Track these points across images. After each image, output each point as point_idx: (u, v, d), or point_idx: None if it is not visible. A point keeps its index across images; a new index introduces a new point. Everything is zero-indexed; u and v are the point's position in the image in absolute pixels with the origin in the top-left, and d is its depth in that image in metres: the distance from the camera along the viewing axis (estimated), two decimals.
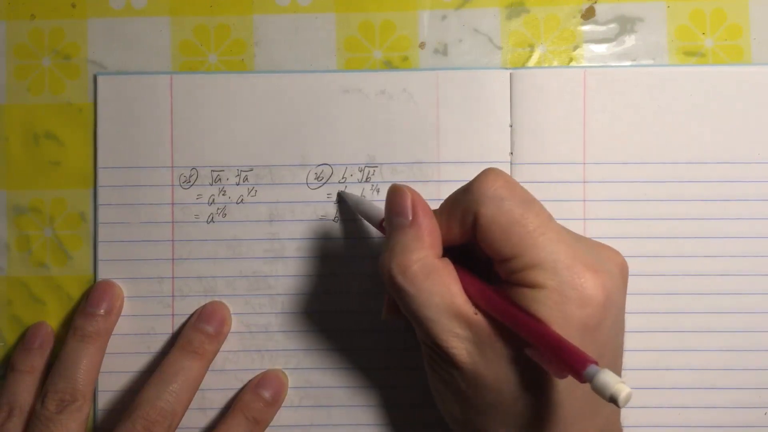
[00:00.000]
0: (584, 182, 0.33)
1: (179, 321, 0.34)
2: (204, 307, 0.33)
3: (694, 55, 0.34)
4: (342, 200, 0.33)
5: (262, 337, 0.34)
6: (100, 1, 0.35)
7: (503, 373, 0.24)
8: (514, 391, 0.24)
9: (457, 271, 0.26)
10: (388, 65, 0.34)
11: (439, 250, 0.26)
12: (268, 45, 0.34)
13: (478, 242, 0.25)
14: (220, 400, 0.34)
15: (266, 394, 0.32)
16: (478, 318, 0.24)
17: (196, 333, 0.32)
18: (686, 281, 0.33)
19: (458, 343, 0.25)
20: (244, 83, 0.34)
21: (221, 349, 0.33)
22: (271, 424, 0.33)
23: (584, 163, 0.33)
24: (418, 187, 0.33)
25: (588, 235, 0.32)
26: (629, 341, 0.33)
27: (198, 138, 0.34)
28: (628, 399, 0.20)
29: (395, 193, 0.27)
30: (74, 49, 0.35)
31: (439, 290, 0.25)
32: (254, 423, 0.32)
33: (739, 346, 0.33)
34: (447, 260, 0.26)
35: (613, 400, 0.20)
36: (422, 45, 0.34)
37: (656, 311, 0.33)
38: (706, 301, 0.33)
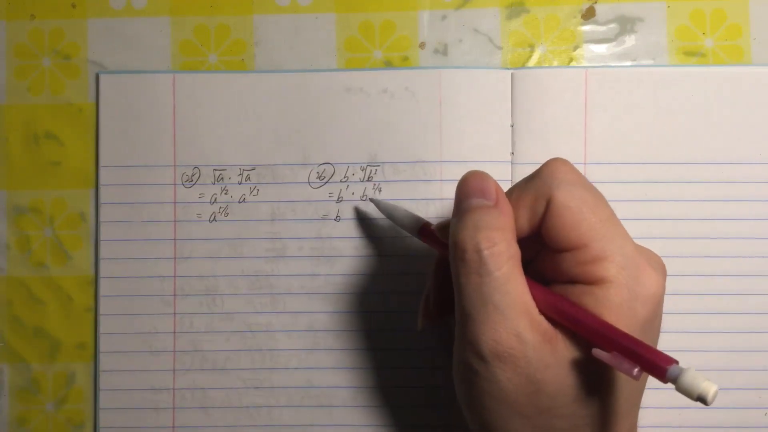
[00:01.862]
0: None
1: (180, 320, 0.34)
2: None
3: (694, 55, 0.34)
4: (373, 205, 0.33)
5: (264, 336, 0.34)
6: (100, 1, 0.35)
7: (563, 377, 0.23)
8: (571, 395, 0.23)
9: None
10: (389, 65, 0.34)
11: (515, 238, 0.24)
12: (268, 45, 0.34)
13: (545, 231, 0.24)
14: (222, 400, 0.34)
15: None
16: (542, 320, 0.23)
17: None
18: (687, 282, 0.33)
19: (517, 344, 0.23)
20: (247, 82, 0.34)
21: (222, 348, 0.33)
22: (271, 423, 0.33)
23: (585, 164, 0.33)
24: (420, 187, 0.32)
25: None
26: None
27: (200, 137, 0.34)
28: (715, 397, 0.19)
29: (477, 176, 0.25)
30: (74, 49, 0.35)
31: (516, 279, 0.23)
32: None
33: (740, 346, 0.33)
34: None
35: (701, 399, 0.19)
36: (422, 45, 0.34)
37: None
38: (706, 301, 0.33)
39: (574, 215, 0.23)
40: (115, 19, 0.35)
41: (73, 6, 0.35)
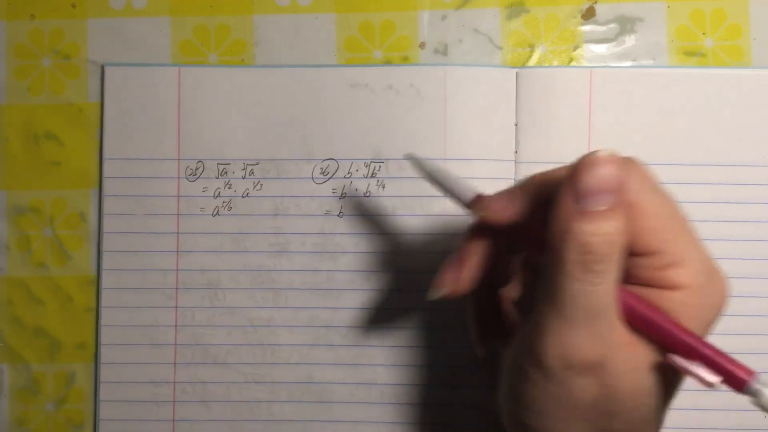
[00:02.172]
0: None
1: (182, 313, 0.34)
2: None
3: (694, 55, 0.34)
4: (415, 166, 0.27)
5: (265, 331, 0.34)
6: (100, 1, 0.35)
7: (637, 381, 0.22)
8: (640, 399, 0.22)
9: None
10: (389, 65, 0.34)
11: None
12: (269, 45, 0.34)
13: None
14: (222, 394, 0.34)
15: None
16: (624, 324, 0.22)
17: None
18: None
19: (608, 352, 0.22)
20: (252, 77, 0.34)
21: (223, 342, 0.33)
22: (271, 418, 0.33)
23: None
24: (424, 184, 0.32)
25: None
26: None
27: (204, 130, 0.34)
28: None
29: (613, 167, 0.21)
30: (74, 49, 0.35)
31: (613, 277, 0.21)
32: None
33: (741, 348, 0.33)
34: None
35: None
36: (422, 45, 0.34)
37: None
38: None
39: (655, 221, 0.22)
40: (115, 19, 0.35)
41: (73, 6, 0.35)
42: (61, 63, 0.35)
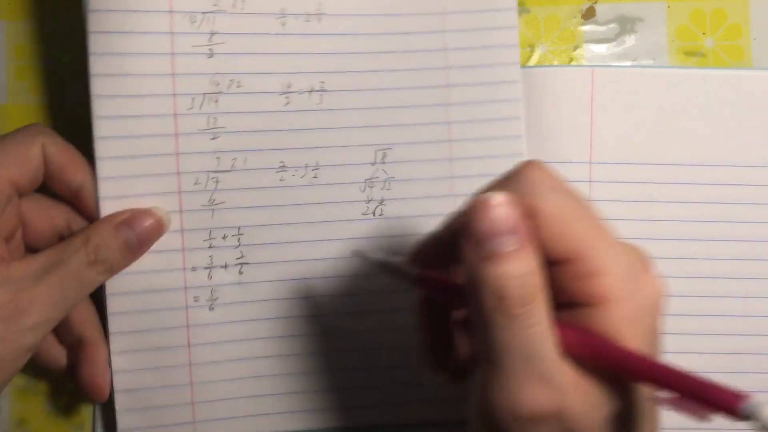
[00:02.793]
0: (590, 182, 0.33)
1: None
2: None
3: (694, 55, 0.34)
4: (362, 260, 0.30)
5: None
6: None
7: (598, 418, 0.21)
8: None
9: None
10: None
11: None
12: None
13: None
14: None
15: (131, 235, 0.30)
16: (569, 364, 0.21)
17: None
18: (690, 283, 0.33)
19: (560, 398, 0.20)
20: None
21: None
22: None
23: (590, 163, 0.33)
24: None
25: None
26: None
27: None
28: None
29: (503, 211, 0.20)
30: None
31: (551, 324, 0.20)
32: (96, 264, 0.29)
33: (743, 349, 0.33)
34: None
35: None
36: None
37: None
38: (709, 303, 0.33)
39: (564, 224, 0.21)
40: None
41: None
42: None
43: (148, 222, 0.30)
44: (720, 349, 0.33)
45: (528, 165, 0.22)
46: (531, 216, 0.21)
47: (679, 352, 0.33)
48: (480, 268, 0.20)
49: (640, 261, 0.22)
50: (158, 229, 0.31)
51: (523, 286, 0.20)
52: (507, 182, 0.22)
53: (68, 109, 0.34)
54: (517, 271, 0.20)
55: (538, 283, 0.20)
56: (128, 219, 0.30)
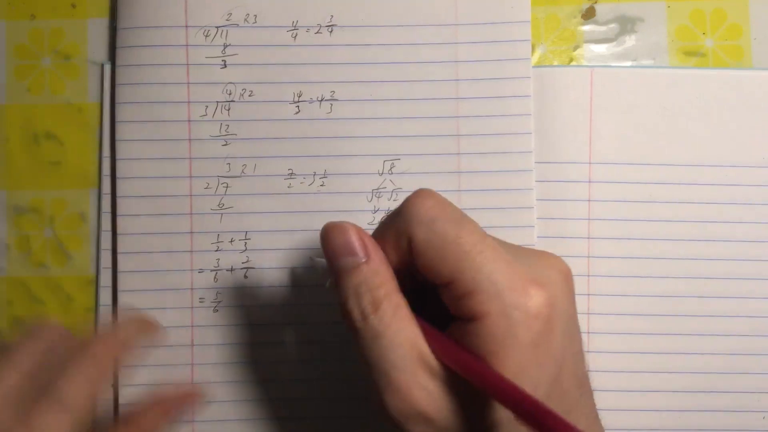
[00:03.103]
0: (589, 182, 0.33)
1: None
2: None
3: (694, 55, 0.34)
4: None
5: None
6: (100, 1, 0.35)
7: (466, 418, 0.22)
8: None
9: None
10: None
11: (396, 282, 0.24)
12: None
13: (418, 268, 0.23)
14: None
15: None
16: (439, 365, 0.23)
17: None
18: (689, 284, 0.33)
19: (425, 396, 0.22)
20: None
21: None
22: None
23: (590, 163, 0.33)
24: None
25: (592, 236, 0.32)
26: (632, 343, 0.33)
27: None
28: None
29: (337, 233, 0.24)
30: (74, 49, 0.35)
31: (407, 330, 0.23)
32: None
33: (741, 349, 0.33)
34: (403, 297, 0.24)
35: None
36: None
37: (658, 314, 0.33)
38: (708, 304, 0.33)
39: (437, 252, 0.22)
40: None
41: (73, 6, 0.35)
42: (61, 63, 0.35)
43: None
44: (720, 349, 0.33)
45: (413, 196, 0.24)
46: (409, 243, 0.23)
47: (679, 353, 0.33)
48: (338, 291, 0.24)
49: (530, 276, 0.22)
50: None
51: (372, 304, 0.23)
52: (395, 212, 0.24)
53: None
54: (364, 285, 0.23)
55: (388, 295, 0.23)
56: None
